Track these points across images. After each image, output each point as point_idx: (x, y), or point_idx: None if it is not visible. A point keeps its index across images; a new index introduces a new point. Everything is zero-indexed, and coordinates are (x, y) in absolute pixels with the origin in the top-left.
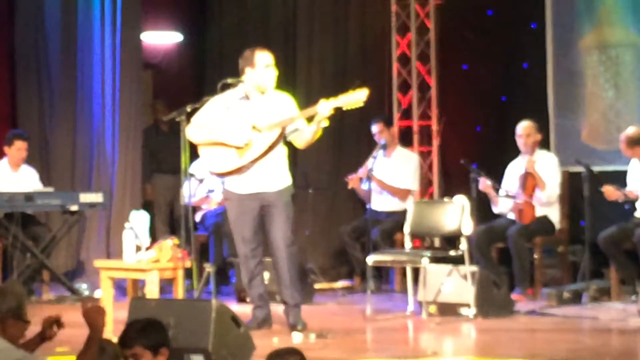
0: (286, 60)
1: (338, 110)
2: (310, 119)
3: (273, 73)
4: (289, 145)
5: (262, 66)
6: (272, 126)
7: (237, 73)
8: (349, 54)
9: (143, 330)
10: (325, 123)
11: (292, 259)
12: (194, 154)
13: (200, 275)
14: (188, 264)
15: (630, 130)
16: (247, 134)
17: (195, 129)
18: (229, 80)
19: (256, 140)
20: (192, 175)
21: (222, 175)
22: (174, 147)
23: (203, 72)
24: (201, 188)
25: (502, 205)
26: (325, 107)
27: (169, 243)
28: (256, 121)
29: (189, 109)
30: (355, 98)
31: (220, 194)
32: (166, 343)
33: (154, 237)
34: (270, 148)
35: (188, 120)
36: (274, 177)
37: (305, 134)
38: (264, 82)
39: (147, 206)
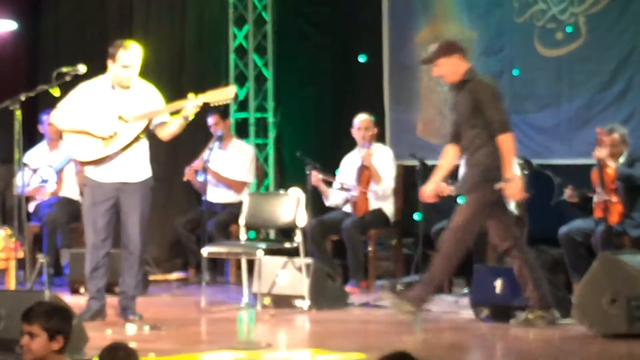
0: None
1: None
2: (175, 113)
3: (130, 74)
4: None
5: (120, 65)
6: (139, 117)
7: (72, 62)
8: (186, 44)
9: (47, 313)
10: (192, 117)
11: (142, 252)
12: (28, 143)
13: (33, 266)
14: (21, 254)
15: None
16: (113, 124)
17: (61, 115)
18: (64, 69)
19: (122, 130)
20: (25, 164)
21: (86, 164)
22: (6, 136)
23: (38, 61)
24: (35, 178)
25: (336, 198)
26: (193, 103)
27: (0, 233)
28: (122, 111)
29: (22, 98)
30: (223, 95)
31: (55, 184)
32: (65, 333)
33: None
34: (136, 139)
35: (22, 108)
36: (135, 167)
37: (170, 127)
38: (121, 81)
39: None
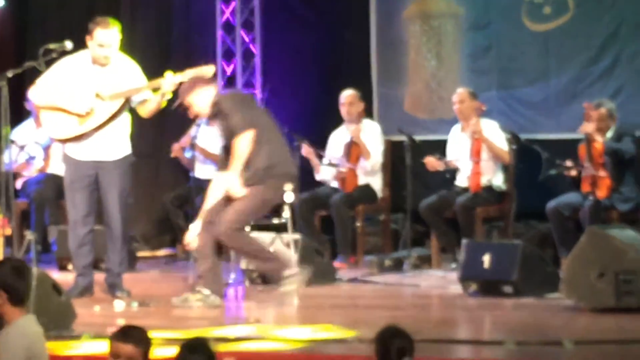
0: None
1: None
2: (154, 90)
3: (107, 52)
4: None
5: (97, 43)
6: (117, 95)
7: (59, 38)
8: (173, 21)
9: None
10: (169, 96)
11: (124, 228)
12: (15, 120)
13: (21, 243)
14: (8, 231)
15: (463, 88)
16: (90, 101)
17: (39, 92)
18: (51, 46)
19: (99, 108)
20: (12, 141)
21: (61, 141)
22: None
23: (25, 37)
24: (22, 155)
25: (325, 173)
26: (171, 81)
27: None
28: (100, 89)
29: (9, 75)
30: (202, 73)
31: (42, 161)
32: (8, 286)
33: None
34: (112, 117)
35: (9, 85)
36: (113, 145)
37: (149, 105)
38: (97, 59)
39: None
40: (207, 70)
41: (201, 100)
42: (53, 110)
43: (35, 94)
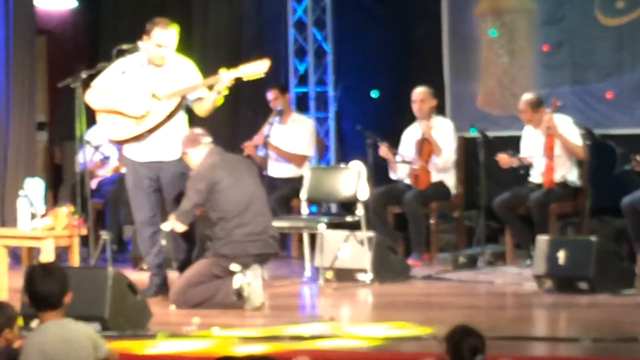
0: (182, 27)
1: (236, 78)
2: (210, 88)
3: (163, 53)
4: (190, 112)
5: (154, 43)
6: (172, 95)
7: (132, 39)
8: (245, 20)
9: None
10: (225, 92)
11: (189, 228)
12: (90, 121)
13: (97, 243)
14: (84, 231)
15: (528, 96)
16: (146, 103)
17: (94, 95)
18: (124, 47)
19: (155, 108)
20: (87, 142)
21: (119, 142)
22: (68, 114)
23: (98, 38)
24: (97, 155)
25: (399, 171)
26: (226, 77)
27: (64, 210)
28: (156, 89)
29: (84, 76)
30: (256, 69)
31: (117, 161)
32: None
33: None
34: (169, 117)
35: (84, 86)
36: (171, 145)
37: (205, 103)
38: (153, 59)
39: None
40: (262, 65)
41: (192, 160)
42: (110, 113)
43: (91, 97)
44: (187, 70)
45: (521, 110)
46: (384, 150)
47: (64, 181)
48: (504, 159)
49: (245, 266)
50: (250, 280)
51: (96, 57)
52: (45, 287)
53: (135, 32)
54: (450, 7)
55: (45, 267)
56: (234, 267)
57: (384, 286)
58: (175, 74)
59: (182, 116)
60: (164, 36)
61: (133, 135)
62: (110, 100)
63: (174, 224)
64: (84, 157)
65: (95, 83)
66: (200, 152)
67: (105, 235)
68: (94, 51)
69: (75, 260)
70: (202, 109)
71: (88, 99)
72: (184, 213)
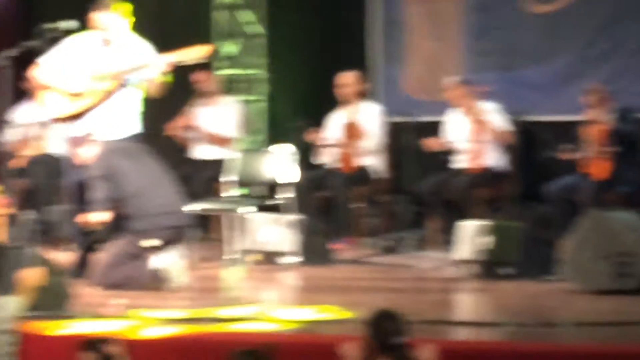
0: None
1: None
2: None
3: (106, 35)
4: None
5: (98, 25)
6: (112, 75)
7: (62, 18)
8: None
9: None
10: (164, 78)
11: None
12: (16, 99)
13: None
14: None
15: (455, 78)
16: (83, 82)
17: (40, 71)
18: (54, 25)
19: (92, 88)
20: (12, 121)
21: (58, 120)
22: None
23: (28, 18)
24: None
25: (326, 155)
26: (160, 61)
27: None
28: (98, 68)
29: (13, 54)
30: (197, 53)
31: (41, 140)
32: None
33: None
34: (105, 97)
35: (15, 65)
36: (110, 124)
37: (150, 85)
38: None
39: None
40: (203, 49)
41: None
42: (51, 90)
43: (37, 73)
44: (136, 50)
45: (447, 89)
46: (310, 133)
47: None
48: (429, 142)
49: (163, 243)
50: (170, 260)
51: (28, 36)
52: None
53: (69, 11)
54: None
55: None
56: (150, 242)
57: (309, 269)
58: (123, 55)
59: (127, 96)
60: (106, 19)
61: (70, 114)
62: (51, 77)
63: (99, 216)
64: (9, 136)
65: (42, 59)
66: (92, 148)
67: (29, 215)
68: (27, 30)
69: (2, 238)
70: (150, 91)
71: (33, 74)
72: (101, 202)
